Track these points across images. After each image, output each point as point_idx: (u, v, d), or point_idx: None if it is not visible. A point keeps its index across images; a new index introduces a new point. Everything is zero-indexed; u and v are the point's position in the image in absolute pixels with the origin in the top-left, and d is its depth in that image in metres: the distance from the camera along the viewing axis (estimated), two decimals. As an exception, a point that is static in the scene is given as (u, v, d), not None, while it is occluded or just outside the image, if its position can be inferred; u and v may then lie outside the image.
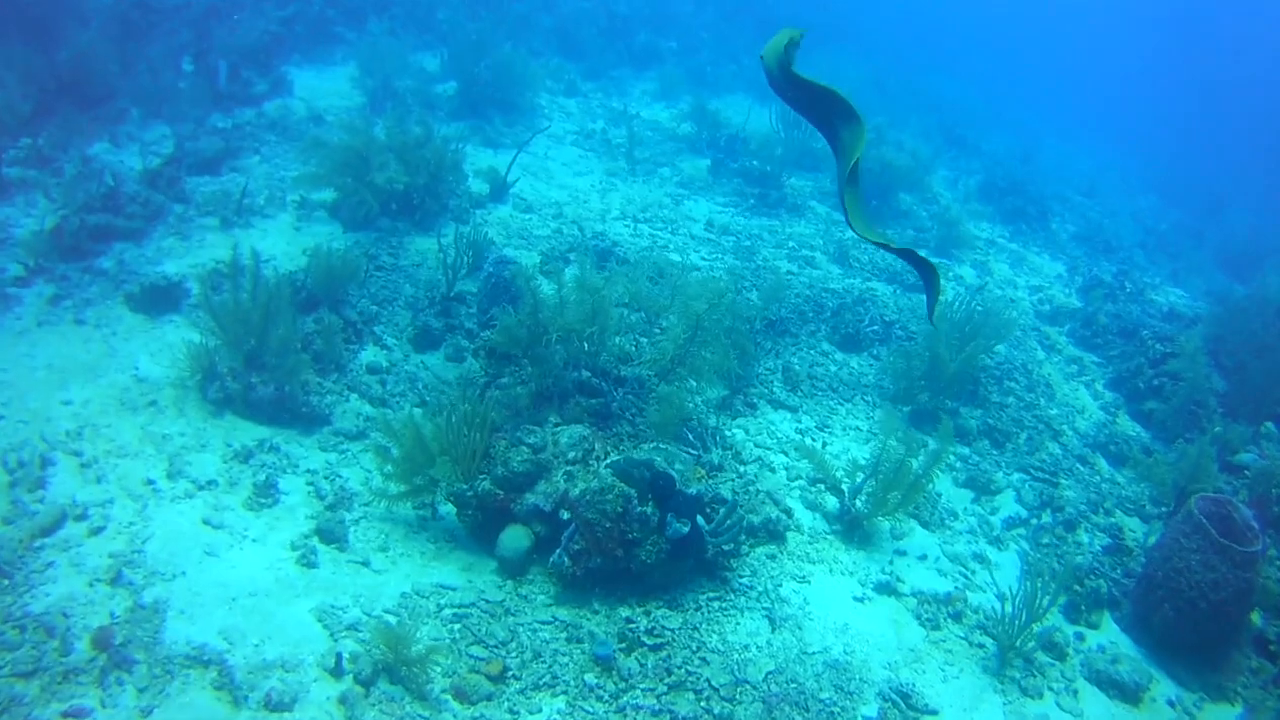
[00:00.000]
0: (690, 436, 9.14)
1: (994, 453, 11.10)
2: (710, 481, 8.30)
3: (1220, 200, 28.15)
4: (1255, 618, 8.83)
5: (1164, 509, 10.47)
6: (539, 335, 8.54)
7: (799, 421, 10.71)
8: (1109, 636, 8.77)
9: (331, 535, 7.62)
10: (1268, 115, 39.99)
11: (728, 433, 10.05)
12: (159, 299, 9.99)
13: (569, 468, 7.82)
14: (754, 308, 11.63)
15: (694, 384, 9.39)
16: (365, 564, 7.52)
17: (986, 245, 17.69)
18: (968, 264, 16.43)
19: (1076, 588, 8.87)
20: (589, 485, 7.31)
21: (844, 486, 9.17)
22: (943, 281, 14.46)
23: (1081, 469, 11.28)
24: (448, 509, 8.06)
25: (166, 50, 16.54)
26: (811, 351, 11.99)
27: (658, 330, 10.28)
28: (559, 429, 8.16)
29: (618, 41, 23.01)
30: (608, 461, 7.46)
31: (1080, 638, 8.66)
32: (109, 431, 8.20)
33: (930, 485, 9.32)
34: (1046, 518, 10.12)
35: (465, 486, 7.69)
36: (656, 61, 23.43)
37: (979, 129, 26.35)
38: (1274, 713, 7.98)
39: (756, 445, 10.04)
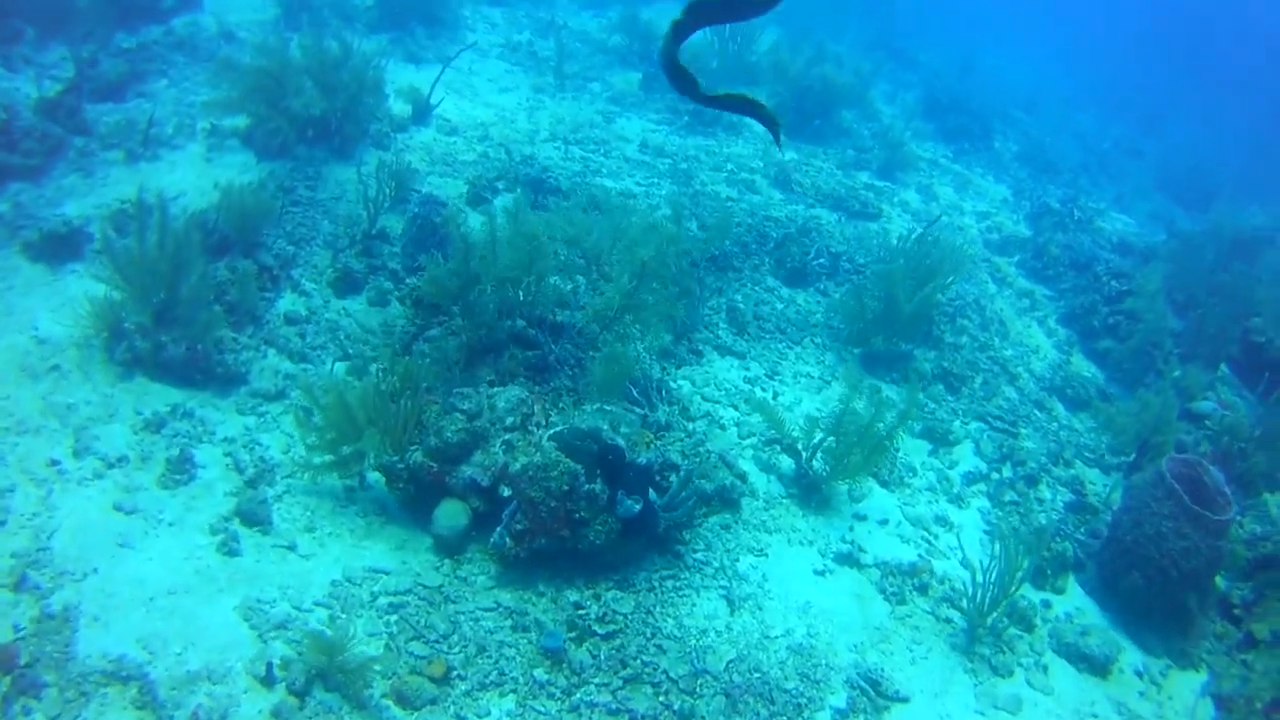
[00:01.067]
0: (634, 392, 8.42)
1: (950, 399, 10.62)
2: (659, 445, 7.60)
3: (1158, 114, 28.22)
4: (1219, 581, 8.40)
5: (1125, 459, 10.03)
6: (471, 284, 7.75)
7: (747, 369, 10.08)
8: (1075, 602, 8.36)
9: (254, 517, 6.86)
10: (1203, 31, 39.65)
11: (673, 384, 9.37)
12: (60, 247, 9.04)
13: (507, 435, 7.09)
14: (695, 241, 10.86)
15: (638, 332, 8.66)
16: (291, 548, 6.78)
17: (930, 166, 17.15)
18: (913, 188, 15.88)
19: (1043, 553, 8.36)
20: (531, 460, 6.58)
21: (800, 447, 8.53)
22: (886, 206, 13.99)
23: (1039, 415, 10.87)
24: (376, 477, 7.31)
25: (66, -41, 15.24)
26: (756, 288, 11.35)
27: (596, 274, 9.50)
28: (495, 393, 7.39)
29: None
30: (551, 432, 6.72)
31: (1047, 605, 8.24)
32: (7, 405, 7.33)
33: (895, 445, 8.73)
34: (1007, 471, 9.67)
35: (396, 458, 6.96)
36: None
37: (915, 38, 25.66)
38: (1238, 679, 7.56)
39: (704, 399, 9.39)
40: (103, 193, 10.06)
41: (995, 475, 9.56)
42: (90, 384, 7.73)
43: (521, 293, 8.05)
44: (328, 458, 7.09)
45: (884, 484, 9.02)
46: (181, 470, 7.13)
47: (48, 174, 10.23)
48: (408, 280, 9.02)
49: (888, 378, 10.53)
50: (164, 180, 10.36)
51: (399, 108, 12.73)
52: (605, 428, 6.60)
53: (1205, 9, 43.64)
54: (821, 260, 11.84)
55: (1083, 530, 8.95)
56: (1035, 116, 24.03)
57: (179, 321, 8.03)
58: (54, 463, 6.95)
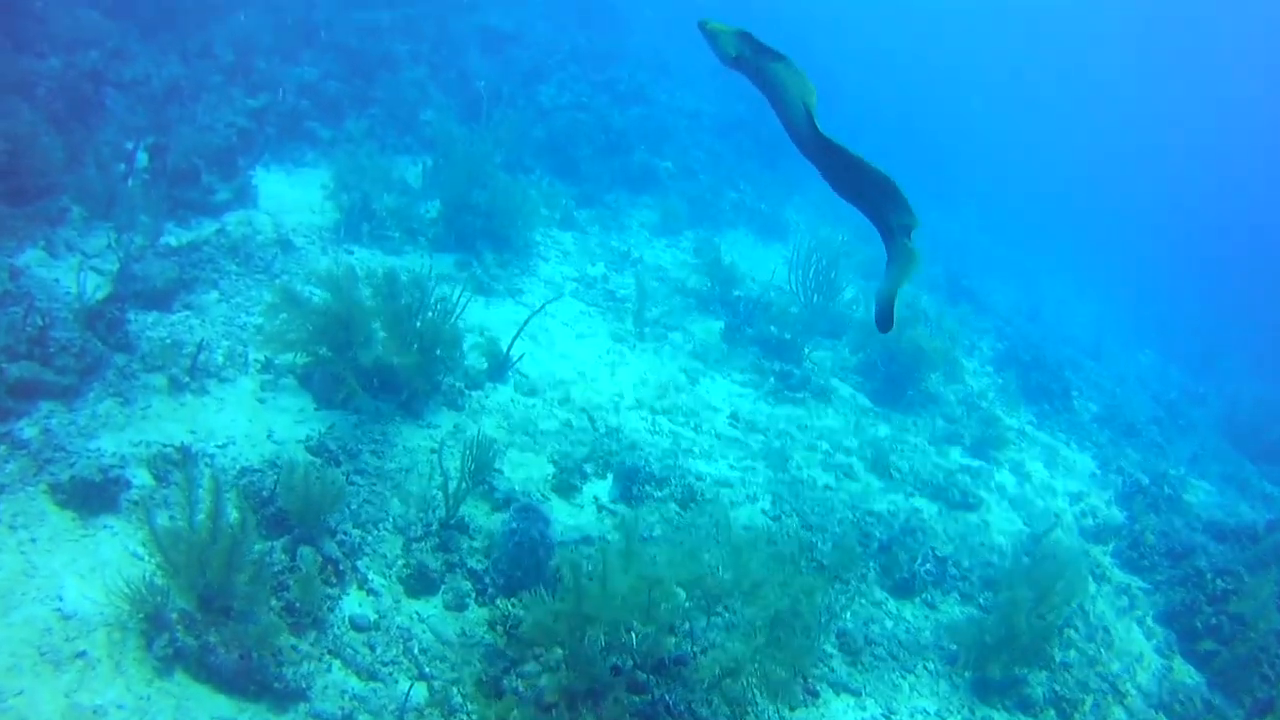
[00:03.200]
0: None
1: (1063, 729, 10.36)
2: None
3: (1214, 351, 30.23)
4: None
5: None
6: (579, 627, 7.37)
7: (864, 708, 9.72)
8: None
9: None
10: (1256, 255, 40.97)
11: (792, 732, 8.99)
12: (92, 495, 8.72)
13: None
14: (799, 543, 10.96)
15: (762, 694, 8.27)
16: None
17: (1018, 437, 17.14)
18: (1006, 467, 15.90)
19: None
20: None
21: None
22: (984, 493, 14.06)
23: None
24: None
25: (120, 133, 15.47)
26: (863, 601, 11.14)
27: (720, 609, 9.14)
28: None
29: (613, 159, 22.31)
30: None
31: None
32: (21, 705, 6.86)
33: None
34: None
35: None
36: (653, 184, 22.83)
37: (979, 273, 26.81)
38: None
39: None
40: (143, 427, 9.81)
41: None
42: (123, 680, 7.30)
43: (635, 637, 7.66)
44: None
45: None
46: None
47: (82, 395, 10.03)
48: (499, 601, 8.66)
49: (1000, 705, 10.35)
50: (211, 420, 10.14)
51: (473, 358, 12.55)
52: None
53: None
54: (928, 566, 11.73)
55: None
56: (1103, 363, 24.94)
57: (230, 615, 7.62)
58: (75, 794, 6.47)
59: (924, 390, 16.98)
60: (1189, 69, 67.45)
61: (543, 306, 14.52)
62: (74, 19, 19.33)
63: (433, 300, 11.49)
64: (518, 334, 13.13)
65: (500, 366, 12.75)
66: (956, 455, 15.55)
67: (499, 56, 24.43)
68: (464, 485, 9.68)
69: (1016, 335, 21.60)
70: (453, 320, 11.62)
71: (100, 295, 11.31)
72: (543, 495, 10.77)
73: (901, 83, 40.38)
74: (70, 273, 11.94)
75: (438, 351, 11.43)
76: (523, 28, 26.11)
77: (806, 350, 16.54)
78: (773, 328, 16.58)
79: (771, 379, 15.59)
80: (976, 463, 15.51)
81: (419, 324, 11.24)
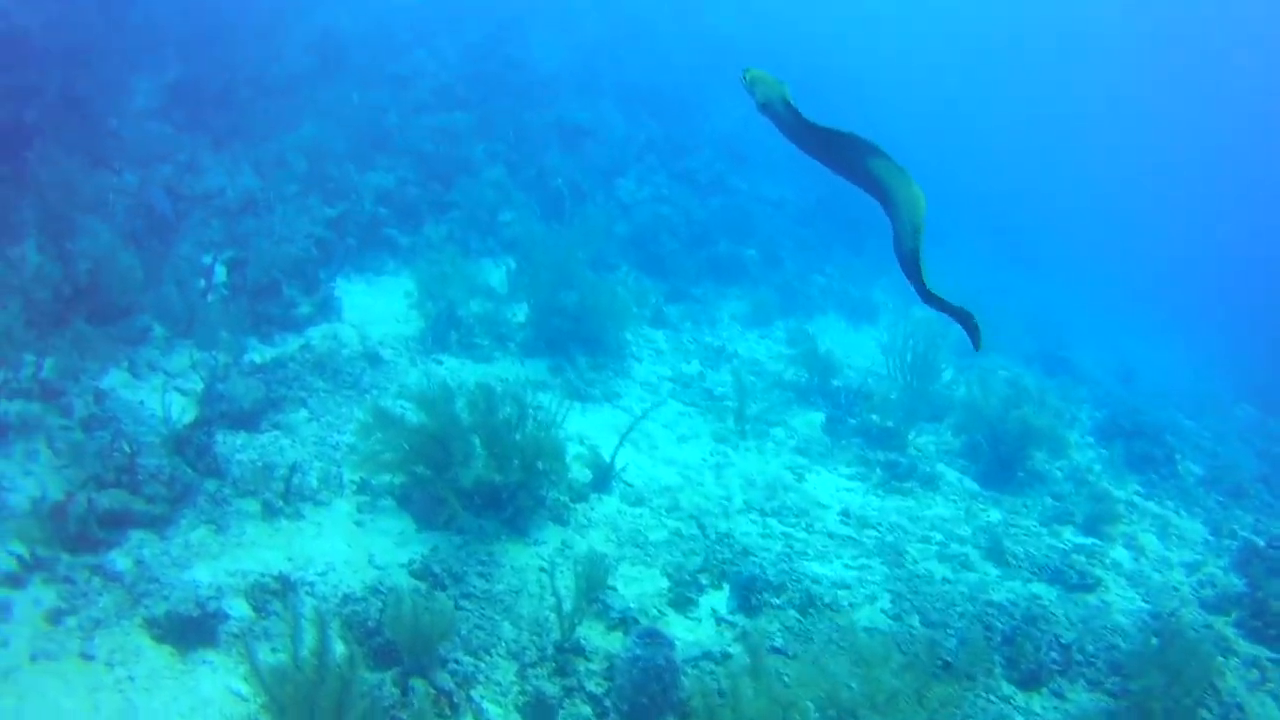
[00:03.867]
0: None
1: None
2: None
3: None
4: None
5: None
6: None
7: None
8: None
9: None
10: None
11: None
12: (189, 629, 8.51)
13: None
14: (926, 645, 10.44)
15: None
16: None
17: (1128, 509, 16.61)
18: (1119, 542, 15.36)
19: None
20: None
21: None
22: (1100, 571, 13.86)
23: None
24: None
25: (197, 248, 15.55)
26: (992, 699, 10.61)
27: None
28: None
29: (698, 251, 22.21)
30: None
31: None
32: None
33: None
34: None
35: None
36: (740, 274, 22.73)
37: (1067, 337, 26.52)
38: None
39: None
40: (238, 555, 9.64)
41: None
42: (231, 832, 7.02)
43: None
44: None
45: None
46: None
47: (174, 524, 9.91)
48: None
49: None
50: (309, 546, 9.97)
51: (575, 469, 12.32)
52: None
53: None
54: (1053, 655, 11.23)
55: None
56: (1201, 421, 24.06)
57: (342, 758, 7.33)
58: None
59: (1031, 469, 16.62)
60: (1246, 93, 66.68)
61: (644, 414, 14.31)
62: (146, 134, 19.62)
63: (531, 412, 11.27)
64: (620, 443, 12.89)
65: (604, 476, 12.51)
66: (1069, 535, 15.15)
67: (576, 152, 24.45)
68: (578, 607, 9.38)
69: (1113, 402, 21.17)
70: (554, 432, 11.37)
71: (187, 419, 11.26)
72: (659, 611, 10.46)
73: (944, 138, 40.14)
74: (155, 394, 11.92)
75: (540, 465, 11.16)
76: (598, 121, 26.18)
77: (910, 437, 16.30)
78: (874, 416, 16.38)
79: (878, 470, 15.33)
80: (1090, 540, 15.06)
81: (519, 438, 11.00)
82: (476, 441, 10.95)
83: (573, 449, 12.77)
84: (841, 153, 5.44)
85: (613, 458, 12.68)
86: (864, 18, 55.23)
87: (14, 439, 10.59)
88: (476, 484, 10.61)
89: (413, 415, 11.06)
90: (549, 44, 31.56)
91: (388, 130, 21.34)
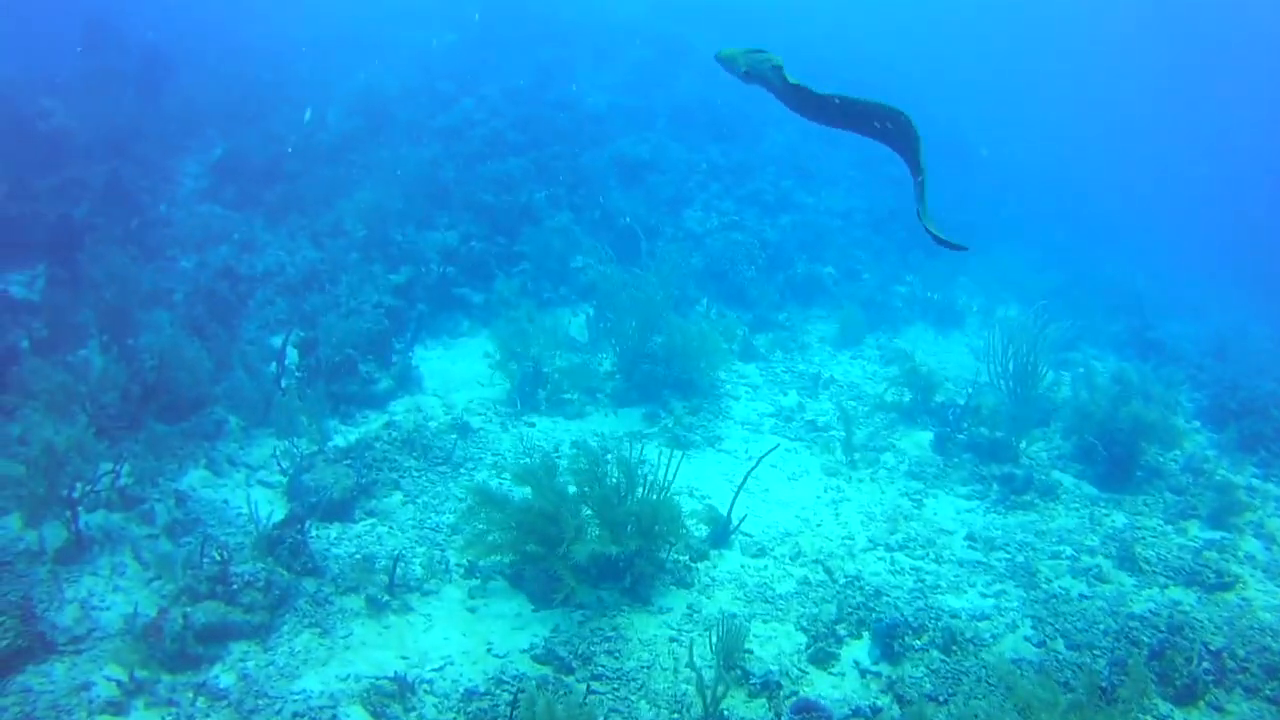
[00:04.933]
0: None
1: None
2: None
3: None
4: None
5: None
6: None
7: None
8: None
9: None
10: None
11: None
12: (308, 747, 7.98)
13: None
14: (1075, 670, 10.07)
15: None
16: None
17: (1248, 495, 15.76)
18: (1249, 533, 14.47)
19: None
20: None
21: None
22: (1234, 567, 13.19)
23: None
24: None
25: (263, 329, 15.23)
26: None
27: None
28: None
29: (776, 274, 21.73)
30: None
31: None
32: None
33: None
34: None
35: None
36: (820, 293, 22.25)
37: (1149, 314, 25.35)
38: None
39: None
40: (348, 659, 9.14)
41: None
42: None
43: None
44: None
45: None
46: None
47: (276, 631, 9.44)
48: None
49: None
50: (421, 640, 9.47)
51: (690, 524, 11.76)
52: None
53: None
54: (1205, 665, 10.56)
55: None
56: None
57: None
58: None
59: (1146, 465, 15.88)
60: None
61: (759, 461, 13.71)
62: (197, 217, 19.44)
63: (641, 474, 10.73)
64: (736, 494, 12.33)
65: (723, 531, 11.92)
66: (1196, 530, 14.41)
67: (639, 187, 24.04)
68: (719, 677, 8.79)
69: (1212, 381, 20.32)
70: (668, 494, 10.81)
71: (276, 515, 10.80)
72: (800, 670, 9.85)
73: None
74: (238, 491, 11.58)
75: (657, 529, 10.60)
76: (657, 152, 25.72)
77: (1021, 446, 15.67)
78: (983, 429, 15.81)
79: (995, 485, 14.71)
80: (1218, 535, 14.27)
81: (632, 504, 10.45)
82: (587, 511, 10.40)
83: (685, 504, 12.22)
84: (837, 111, 5.99)
85: (729, 511, 12.11)
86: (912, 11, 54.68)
87: (99, 553, 10.22)
88: (592, 558, 10.05)
89: (516, 491, 10.56)
90: (594, 78, 31.25)
91: (444, 185, 20.96)
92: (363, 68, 28.77)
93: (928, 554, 12.71)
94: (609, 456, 10.87)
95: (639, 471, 10.81)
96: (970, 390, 17.60)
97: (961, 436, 15.81)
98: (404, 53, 31.59)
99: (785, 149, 29.65)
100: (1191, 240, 37.56)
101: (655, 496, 10.65)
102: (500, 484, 12.12)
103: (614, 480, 10.52)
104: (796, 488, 13.97)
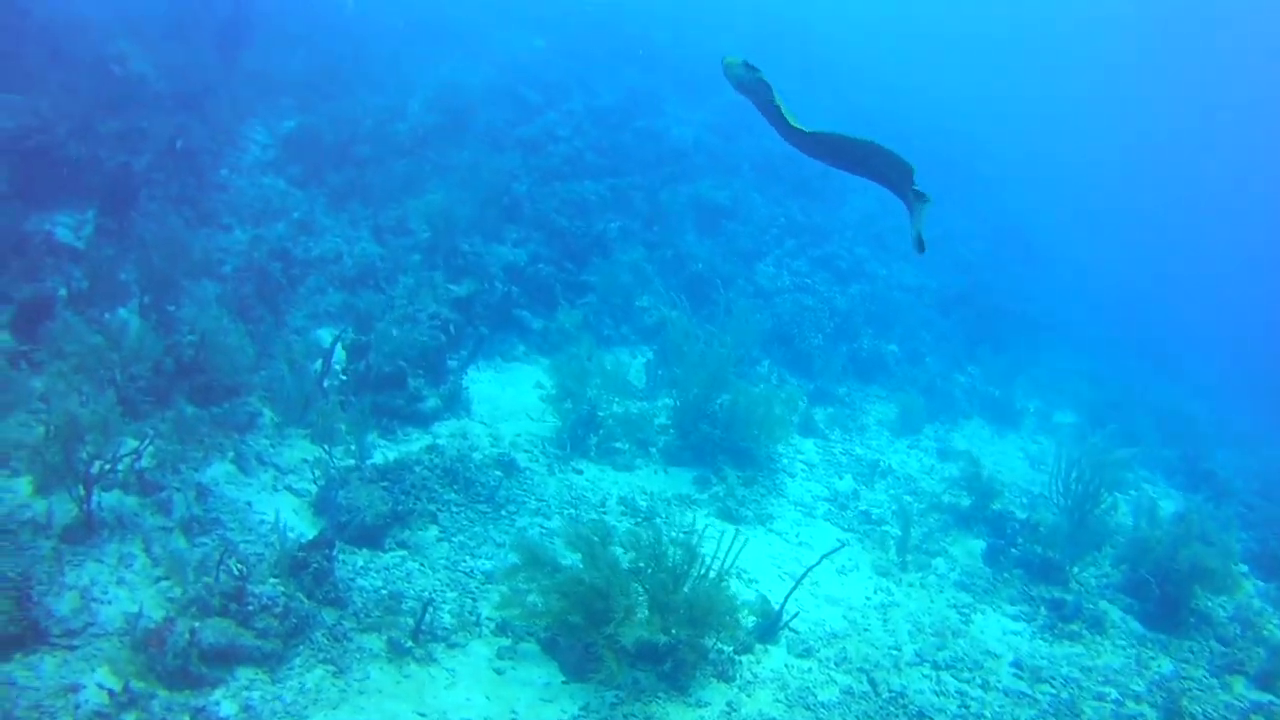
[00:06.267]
0: None
1: None
2: None
3: None
4: None
5: None
6: None
7: None
8: None
9: None
10: None
11: None
12: (308, 808, 7.35)
13: None
14: None
15: None
16: None
17: None
18: None
19: None
20: None
21: None
22: None
23: None
24: None
25: (310, 318, 14.72)
26: None
27: None
28: None
29: (840, 345, 21.30)
30: None
31: None
32: None
33: None
34: None
35: None
36: (881, 371, 21.86)
37: (1203, 443, 24.74)
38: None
39: None
40: (360, 704, 8.59)
41: None
42: None
43: None
44: None
45: None
46: None
47: (287, 662, 8.88)
48: None
49: None
50: (442, 698, 8.91)
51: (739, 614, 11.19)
52: None
53: None
54: None
55: None
56: None
57: None
58: None
59: (1196, 609, 15.37)
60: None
61: (822, 559, 13.14)
62: (259, 188, 18.96)
63: (699, 561, 10.14)
64: (792, 591, 11.73)
65: (772, 625, 11.33)
66: (1242, 688, 13.85)
67: (716, 233, 23.59)
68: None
69: (1264, 522, 19.80)
70: (726, 585, 10.22)
71: (300, 531, 10.29)
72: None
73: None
74: (264, 494, 11.05)
75: (709, 618, 10.00)
76: (737, 201, 25.25)
77: (1074, 570, 15.22)
78: (1038, 548, 15.38)
79: (1043, 609, 14.27)
80: (1266, 698, 13.68)
81: (687, 589, 9.85)
82: (639, 593, 9.78)
83: (732, 586, 11.66)
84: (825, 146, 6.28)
85: (782, 607, 11.52)
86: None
87: (108, 538, 9.66)
88: (636, 642, 9.44)
89: (563, 552, 9.95)
90: (680, 111, 30.79)
91: (517, 199, 20.42)
92: (448, 61, 28.35)
93: (974, 678, 12.22)
94: (666, 532, 10.30)
95: (696, 549, 10.24)
96: (1025, 502, 17.39)
97: (1015, 551, 15.35)
98: (492, 51, 31.17)
99: (864, 215, 29.28)
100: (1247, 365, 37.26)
101: (715, 590, 10.04)
102: (541, 532, 11.56)
103: (673, 561, 9.91)
104: (846, 583, 13.46)
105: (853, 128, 6.21)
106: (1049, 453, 19.68)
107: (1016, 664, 12.81)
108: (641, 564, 9.85)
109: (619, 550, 10.00)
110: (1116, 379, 26.78)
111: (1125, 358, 30.77)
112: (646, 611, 9.76)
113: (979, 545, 15.62)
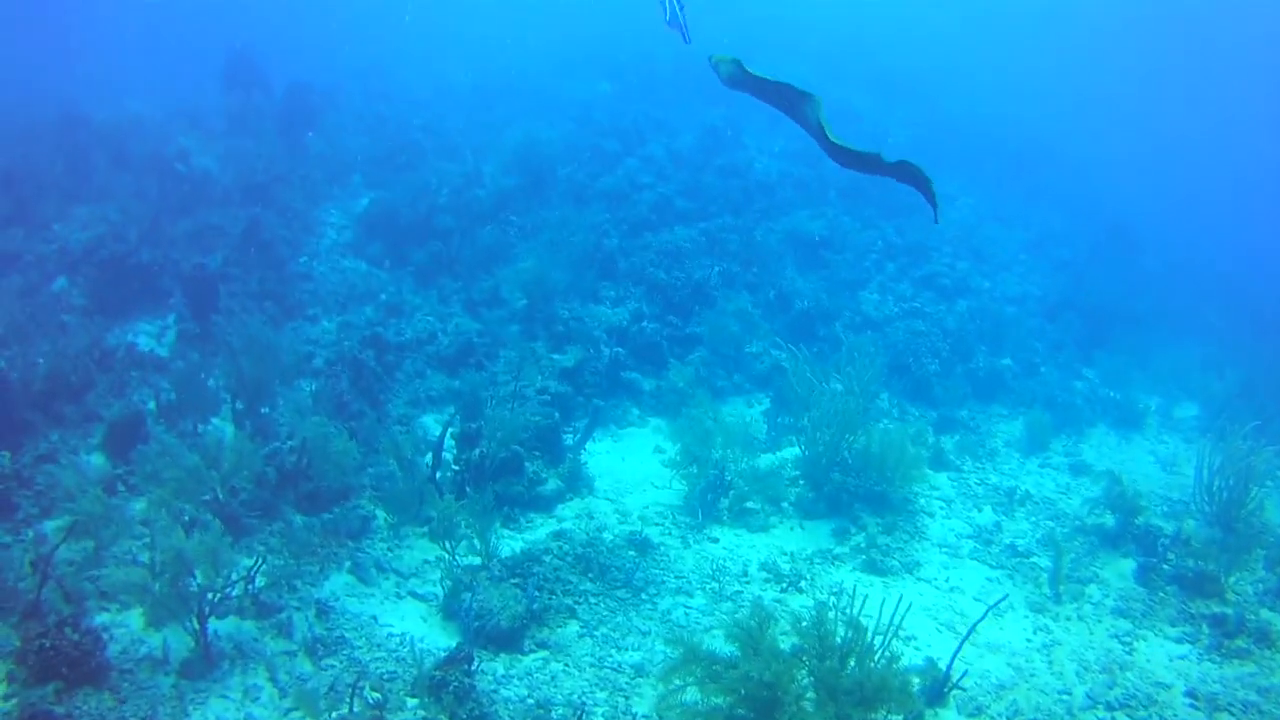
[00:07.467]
0: None
1: None
2: None
3: None
4: None
5: None
6: None
7: None
8: None
9: None
10: None
11: None
12: None
13: None
14: None
15: None
16: None
17: None
18: None
19: None
20: None
21: None
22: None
23: None
24: None
25: (411, 402, 14.27)
26: None
27: None
28: None
29: (956, 366, 20.40)
30: None
31: None
32: None
33: None
34: None
35: None
36: (999, 388, 20.96)
37: None
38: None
39: None
40: None
41: None
42: None
43: None
44: None
45: None
46: None
47: (438, 795, 8.09)
48: None
49: None
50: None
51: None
52: None
53: None
54: None
55: None
56: None
57: None
58: None
59: None
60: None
61: (988, 612, 12.38)
62: (340, 273, 18.59)
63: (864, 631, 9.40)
64: (960, 647, 10.96)
65: (938, 687, 10.60)
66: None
67: (815, 266, 22.91)
68: None
69: None
70: (899, 666, 9.47)
71: (431, 641, 9.72)
72: None
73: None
74: (387, 603, 10.51)
75: (880, 698, 9.25)
76: (833, 229, 24.53)
77: (1229, 580, 14.33)
78: (1190, 561, 14.51)
79: (1205, 628, 13.42)
80: None
81: (853, 664, 9.11)
82: (808, 680, 9.05)
83: (877, 626, 10.96)
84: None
85: (949, 668, 10.75)
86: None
87: (229, 669, 9.14)
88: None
89: (726, 652, 9.25)
90: (760, 142, 30.14)
91: (610, 254, 19.89)
92: (519, 120, 27.92)
93: (1150, 715, 11.47)
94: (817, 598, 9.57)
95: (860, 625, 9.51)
96: (1166, 510, 16.61)
97: (1166, 567, 14.56)
98: (561, 105, 30.78)
99: (960, 228, 28.43)
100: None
101: (889, 672, 9.28)
102: (686, 612, 10.89)
103: (840, 641, 9.18)
104: (1003, 626, 12.70)
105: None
106: (1179, 453, 19.10)
107: (1190, 693, 12.06)
108: (805, 646, 9.14)
109: (779, 635, 9.31)
110: (1235, 364, 25.70)
111: (1241, 339, 29.65)
112: (813, 694, 9.04)
113: (1129, 565, 14.82)
